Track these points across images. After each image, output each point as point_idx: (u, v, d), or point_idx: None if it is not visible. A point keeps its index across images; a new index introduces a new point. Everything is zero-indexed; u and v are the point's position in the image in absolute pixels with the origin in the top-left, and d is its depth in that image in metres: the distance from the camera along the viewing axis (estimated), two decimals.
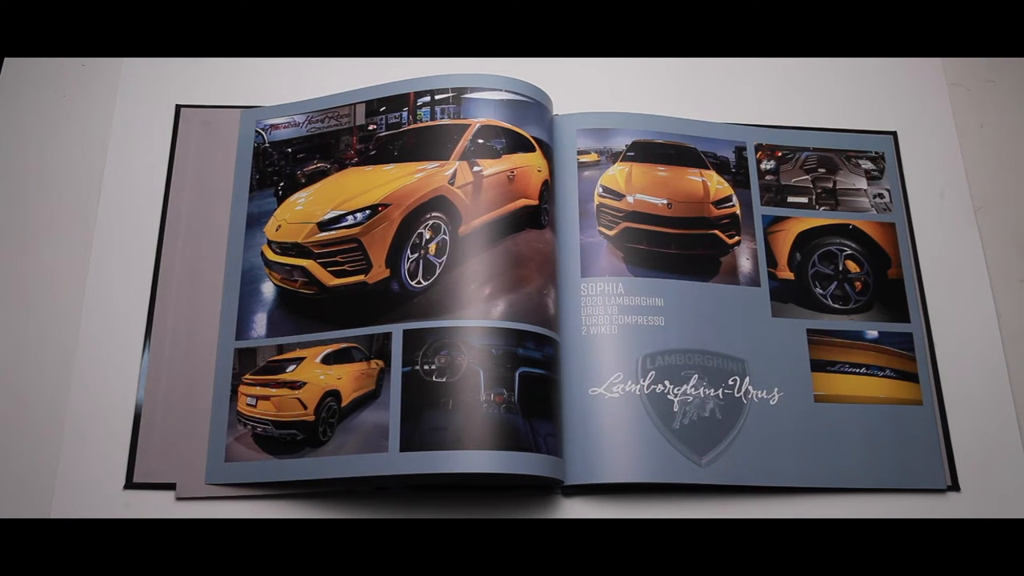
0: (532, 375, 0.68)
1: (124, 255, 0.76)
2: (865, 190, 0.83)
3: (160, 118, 0.81)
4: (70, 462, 0.69)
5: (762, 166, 0.82)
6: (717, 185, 0.80)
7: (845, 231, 0.81)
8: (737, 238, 0.79)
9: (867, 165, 0.84)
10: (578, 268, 0.76)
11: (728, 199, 0.80)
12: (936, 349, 0.77)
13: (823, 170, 0.83)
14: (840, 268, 0.79)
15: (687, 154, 0.81)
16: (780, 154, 0.83)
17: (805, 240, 0.80)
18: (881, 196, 0.82)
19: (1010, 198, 0.84)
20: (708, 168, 0.81)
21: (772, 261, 0.79)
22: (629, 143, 0.81)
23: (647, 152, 0.81)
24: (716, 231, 0.79)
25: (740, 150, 0.83)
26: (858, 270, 0.79)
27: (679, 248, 0.78)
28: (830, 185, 0.83)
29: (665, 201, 0.79)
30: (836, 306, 0.78)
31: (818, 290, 0.78)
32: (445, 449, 0.65)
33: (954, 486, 0.73)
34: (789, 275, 0.79)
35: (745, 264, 0.78)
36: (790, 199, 0.82)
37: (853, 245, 0.80)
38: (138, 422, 0.71)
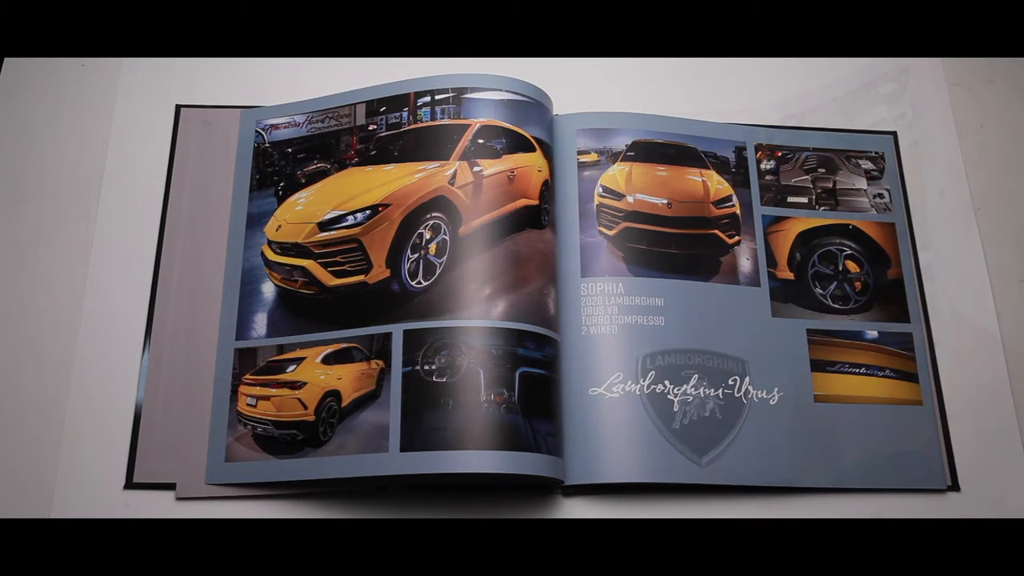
0: (532, 375, 0.68)
1: (124, 255, 0.76)
2: (865, 190, 0.83)
3: (160, 118, 0.81)
4: (70, 462, 0.69)
5: (762, 166, 0.82)
6: (717, 185, 0.80)
7: (845, 231, 0.81)
8: (737, 238, 0.79)
9: (867, 165, 0.84)
10: (578, 268, 0.75)
11: (728, 199, 0.80)
12: (936, 349, 0.77)
13: (823, 170, 0.83)
14: (840, 268, 0.79)
15: (687, 154, 0.81)
16: (780, 154, 0.83)
17: (805, 240, 0.80)
18: (881, 196, 0.82)
19: (1010, 198, 0.84)
20: (708, 168, 0.81)
21: (772, 261, 0.79)
22: (629, 143, 0.81)
23: (647, 152, 0.81)
24: (716, 231, 0.79)
25: (740, 150, 0.83)
26: (858, 270, 0.79)
27: (679, 248, 0.77)
28: (830, 185, 0.82)
29: (665, 201, 0.79)
30: (836, 306, 0.78)
31: (818, 290, 0.78)
32: (445, 449, 0.65)
33: (954, 486, 0.73)
34: (789, 275, 0.79)
35: (745, 264, 0.78)
36: (790, 199, 0.82)
37: (853, 245, 0.80)
38: (138, 422, 0.71)
